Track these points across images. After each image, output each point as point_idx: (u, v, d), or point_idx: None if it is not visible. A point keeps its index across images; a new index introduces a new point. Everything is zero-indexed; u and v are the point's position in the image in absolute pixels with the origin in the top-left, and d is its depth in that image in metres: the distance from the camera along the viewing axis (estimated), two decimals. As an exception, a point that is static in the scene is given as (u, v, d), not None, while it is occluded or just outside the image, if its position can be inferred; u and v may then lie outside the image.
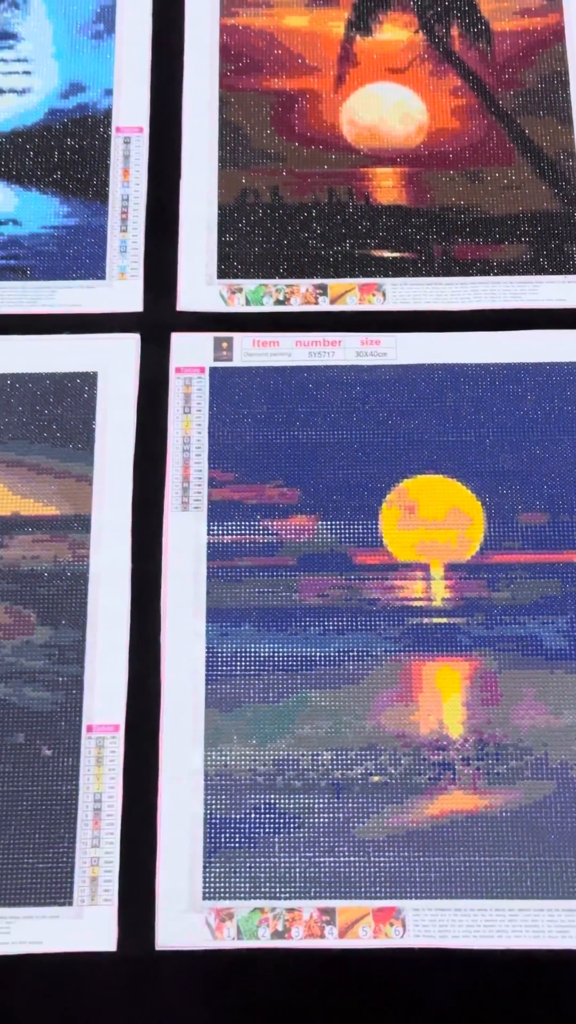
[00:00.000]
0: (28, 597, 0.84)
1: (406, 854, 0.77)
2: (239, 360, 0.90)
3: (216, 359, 0.90)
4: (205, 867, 0.77)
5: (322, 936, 0.76)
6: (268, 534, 0.85)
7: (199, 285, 0.92)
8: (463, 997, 0.75)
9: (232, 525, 0.85)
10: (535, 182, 0.95)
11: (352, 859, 0.77)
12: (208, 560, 0.84)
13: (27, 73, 0.99)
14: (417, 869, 0.77)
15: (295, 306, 0.92)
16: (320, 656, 0.82)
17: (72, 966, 0.75)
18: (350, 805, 0.79)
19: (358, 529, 0.85)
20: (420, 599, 0.84)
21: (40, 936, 0.76)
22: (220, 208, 0.94)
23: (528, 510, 0.85)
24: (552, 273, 0.92)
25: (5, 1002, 0.75)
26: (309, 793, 0.79)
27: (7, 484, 0.87)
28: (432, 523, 0.86)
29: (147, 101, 0.98)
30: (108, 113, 0.98)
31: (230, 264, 0.93)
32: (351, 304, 0.92)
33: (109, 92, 0.98)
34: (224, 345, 0.91)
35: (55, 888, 0.77)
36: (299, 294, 0.92)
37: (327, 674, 0.82)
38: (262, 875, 0.77)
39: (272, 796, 0.79)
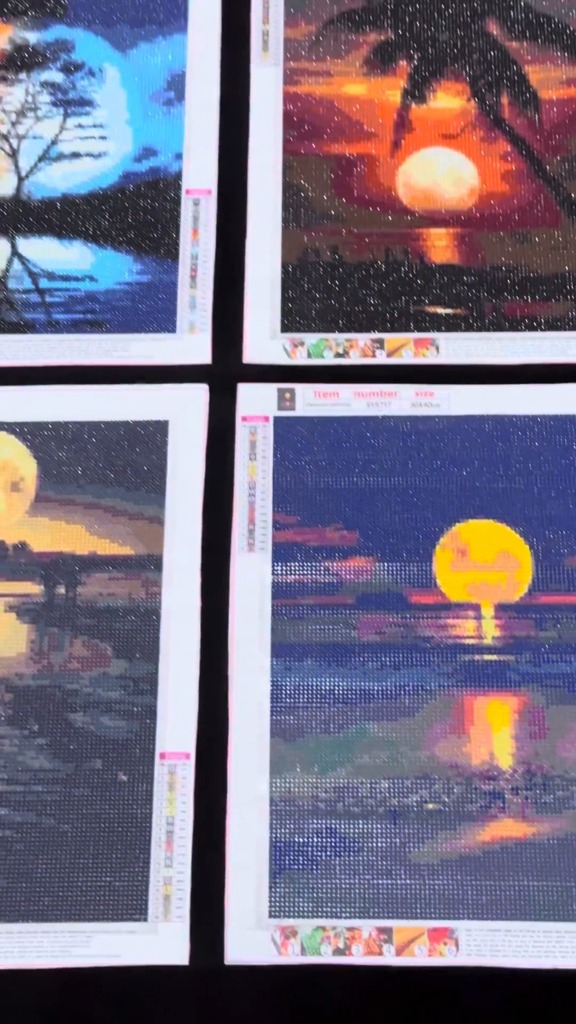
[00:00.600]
0: (105, 632, 0.90)
1: (459, 877, 0.83)
2: (301, 410, 0.96)
3: (280, 409, 0.96)
4: (271, 887, 0.82)
5: (380, 954, 0.81)
6: (329, 574, 0.91)
7: (264, 339, 0.98)
8: (512, 1014, 0.80)
9: (295, 566, 0.91)
10: (581, 243, 1.01)
11: (408, 881, 0.83)
12: (272, 598, 0.90)
13: (103, 138, 1.05)
14: (469, 892, 0.82)
15: (354, 359, 0.97)
16: (378, 690, 0.88)
17: (147, 978, 0.81)
18: (406, 831, 0.84)
19: (413, 570, 0.91)
20: (471, 637, 0.89)
21: (118, 950, 0.81)
22: (283, 266, 1.00)
23: (574, 554, 0.91)
24: (597, 329, 0.98)
25: (85, 1011, 0.80)
26: (368, 819, 0.84)
27: (85, 525, 0.93)
28: (483, 565, 0.91)
29: (215, 164, 1.04)
30: (178, 176, 1.04)
31: (293, 319, 0.99)
32: (407, 357, 0.97)
33: (179, 156, 1.04)
34: (287, 396, 0.96)
35: (131, 905, 0.82)
36: (358, 348, 0.98)
37: (384, 707, 0.87)
38: (324, 895, 0.82)
39: (333, 821, 0.84)
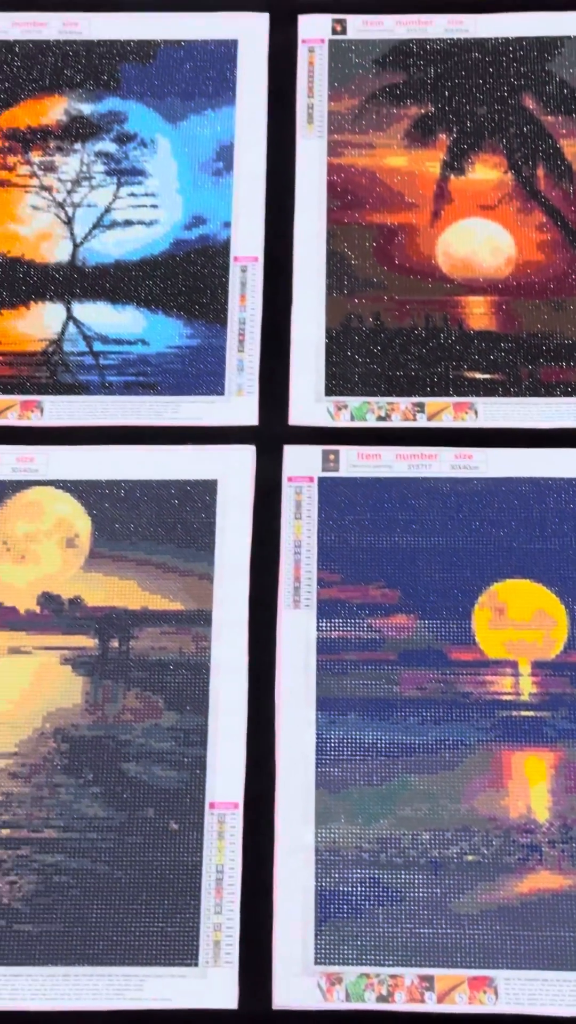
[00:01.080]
0: (156, 684, 0.93)
1: (498, 927, 0.86)
2: (345, 471, 1.00)
3: (324, 469, 1.00)
4: (316, 934, 0.86)
5: (422, 1001, 0.84)
6: (372, 631, 0.95)
7: (309, 401, 1.02)
8: (549, 1060, 0.83)
9: (339, 622, 0.95)
10: (614, 311, 1.05)
11: (449, 931, 0.86)
12: (318, 653, 0.94)
13: (154, 207, 1.10)
14: (508, 942, 0.85)
15: (395, 422, 1.01)
16: (419, 744, 0.91)
17: (197, 1022, 0.84)
18: (447, 881, 0.87)
19: (453, 628, 0.94)
20: (509, 693, 0.92)
21: (169, 993, 0.85)
22: (328, 331, 1.04)
23: (608, 613, 0.94)
24: (630, 395, 1.02)
25: (138, 1052, 0.84)
26: (410, 869, 0.87)
27: (137, 581, 0.97)
28: (520, 624, 0.94)
29: (262, 233, 1.08)
30: (227, 244, 1.08)
31: (337, 382, 1.03)
32: (446, 421, 1.01)
33: (228, 224, 1.09)
34: (331, 457, 1.00)
35: (182, 950, 0.86)
36: (399, 411, 1.02)
37: (425, 760, 0.91)
38: (368, 943, 0.85)
39: (376, 871, 0.87)
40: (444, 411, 1.02)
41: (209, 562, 0.97)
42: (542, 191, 1.09)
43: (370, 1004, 0.84)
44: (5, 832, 0.89)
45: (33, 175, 1.11)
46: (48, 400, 1.03)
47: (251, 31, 1.15)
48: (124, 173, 1.11)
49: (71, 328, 1.05)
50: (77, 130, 1.13)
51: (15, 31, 1.17)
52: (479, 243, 1.08)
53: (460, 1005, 0.84)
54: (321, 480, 0.99)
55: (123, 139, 1.13)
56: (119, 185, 1.11)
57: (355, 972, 0.85)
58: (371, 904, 0.87)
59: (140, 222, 1.09)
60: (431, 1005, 0.84)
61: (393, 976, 0.85)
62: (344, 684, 0.93)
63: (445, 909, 0.86)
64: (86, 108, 1.14)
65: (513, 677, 0.93)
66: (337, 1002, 0.84)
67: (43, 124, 1.13)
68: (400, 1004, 0.84)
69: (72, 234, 1.09)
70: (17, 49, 1.16)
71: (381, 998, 0.84)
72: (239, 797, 0.90)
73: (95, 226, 1.09)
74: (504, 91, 1.13)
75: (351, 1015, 0.84)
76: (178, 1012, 0.84)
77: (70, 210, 1.10)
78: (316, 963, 0.85)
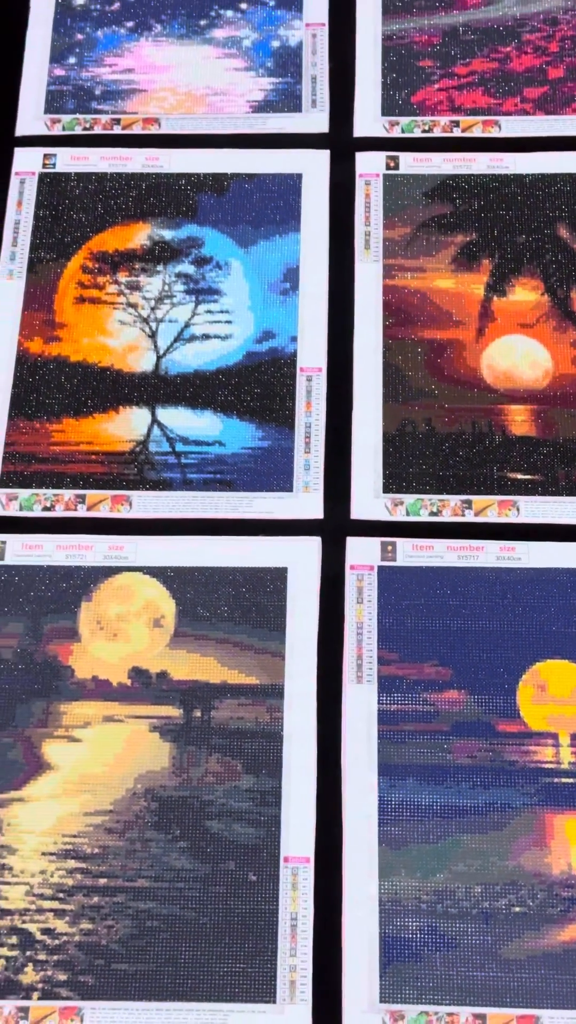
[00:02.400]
0: (235, 751, 1.04)
1: (543, 971, 0.96)
2: (401, 560, 1.12)
3: (383, 559, 1.12)
4: (381, 976, 0.96)
5: (476, 1036, 0.94)
6: (427, 704, 1.06)
7: (368, 498, 1.14)
8: None
9: (398, 696, 1.06)
10: None
11: (499, 974, 0.96)
12: (379, 724, 1.05)
13: (229, 322, 1.23)
14: (552, 984, 0.95)
15: (446, 517, 1.13)
16: (470, 806, 1.02)
17: (275, 1052, 0.94)
18: (497, 930, 0.97)
19: (499, 703, 1.05)
20: (550, 762, 1.03)
21: (250, 1027, 0.95)
22: (385, 435, 1.16)
23: None
24: None
25: (224, 1079, 0.94)
26: (463, 919, 0.98)
27: (216, 658, 1.08)
28: (560, 700, 1.06)
29: (325, 346, 1.21)
30: (293, 356, 1.21)
31: (393, 481, 1.15)
32: (491, 516, 1.13)
33: (294, 339, 1.22)
34: (389, 548, 1.12)
35: (261, 988, 0.96)
36: (449, 507, 1.14)
37: (476, 822, 1.01)
38: (427, 984, 0.96)
39: (434, 920, 0.98)
40: (489, 507, 1.13)
41: (281, 641, 1.08)
42: (575, 311, 1.22)
43: (429, 1039, 0.94)
44: (103, 881, 0.99)
45: (120, 293, 1.25)
46: (136, 495, 1.15)
47: (314, 166, 1.29)
48: (201, 292, 1.25)
49: (155, 431, 1.18)
50: (159, 254, 1.26)
51: (103, 164, 1.31)
52: (519, 358, 1.20)
53: (510, 1040, 0.94)
54: (380, 569, 1.11)
55: (200, 262, 1.26)
56: (197, 303, 1.24)
57: (416, 1010, 0.95)
58: (430, 949, 0.97)
59: (216, 336, 1.23)
60: (484, 1040, 0.94)
61: (450, 1014, 0.95)
62: (403, 752, 1.04)
63: (496, 955, 0.97)
64: (167, 234, 1.27)
65: (554, 747, 1.04)
66: (400, 1036, 0.94)
67: (129, 248, 1.27)
68: (456, 1039, 0.94)
69: (156, 346, 1.22)
70: (106, 181, 1.30)
71: (439, 1033, 0.94)
72: (310, 852, 1.00)
73: (176, 339, 1.22)
74: (540, 222, 1.26)
75: (413, 1048, 0.94)
76: (258, 1044, 0.94)
77: (154, 325, 1.23)
78: (381, 1001, 0.95)
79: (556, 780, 1.02)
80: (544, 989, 0.95)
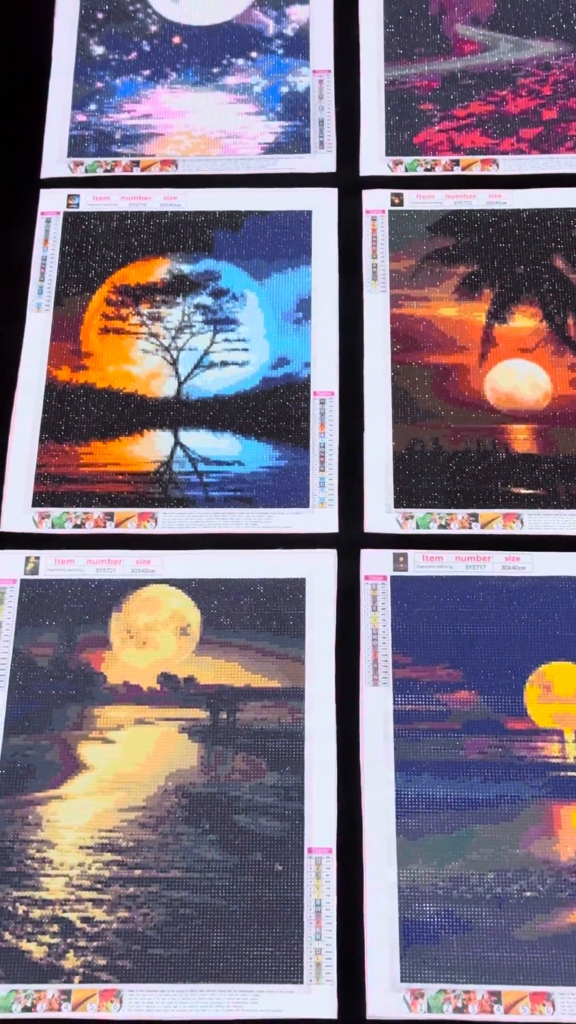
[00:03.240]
0: (260, 750, 1.11)
1: (554, 951, 1.02)
2: (413, 570, 1.18)
3: (395, 570, 1.18)
4: (401, 957, 1.02)
5: (491, 1012, 1.00)
6: (439, 704, 1.12)
7: (380, 513, 1.21)
8: (600, 1062, 0.99)
9: (412, 697, 1.12)
10: None
11: (513, 955, 1.02)
12: (395, 723, 1.11)
13: (245, 350, 1.30)
14: (562, 963, 1.01)
15: (454, 530, 1.20)
16: (482, 799, 1.08)
17: (303, 1029, 1.00)
18: (509, 914, 1.04)
19: (508, 702, 1.12)
20: (557, 757, 1.10)
21: (279, 1006, 1.01)
22: (395, 454, 1.24)
23: None
24: None
25: (255, 1054, 1.00)
26: (478, 904, 1.04)
27: (240, 663, 1.15)
28: (564, 699, 1.12)
29: (336, 371, 1.28)
30: (307, 380, 1.28)
31: (403, 497, 1.21)
32: (497, 529, 1.20)
33: (308, 364, 1.29)
34: (401, 559, 1.19)
35: (289, 971, 1.02)
36: (457, 520, 1.20)
37: (488, 813, 1.08)
38: (445, 965, 1.02)
39: (450, 905, 1.04)
40: (495, 520, 1.20)
41: (300, 647, 1.15)
42: (572, 337, 1.30)
43: (448, 1015, 1.00)
44: (138, 872, 1.06)
45: (143, 324, 1.32)
46: (161, 512, 1.22)
47: (323, 203, 1.37)
48: (219, 322, 1.32)
49: (178, 452, 1.25)
50: (178, 286, 1.34)
51: (124, 204, 1.39)
52: (520, 380, 1.28)
53: (523, 1015, 1.00)
54: (393, 578, 1.18)
55: (217, 294, 1.33)
56: (215, 332, 1.31)
57: (435, 988, 1.01)
58: (447, 932, 1.03)
59: (234, 363, 1.30)
60: (499, 1015, 1.00)
61: (467, 991, 1.01)
62: (418, 749, 1.10)
63: (509, 936, 1.03)
64: (186, 268, 1.35)
65: (560, 743, 1.10)
66: (420, 1013, 1.00)
67: (150, 282, 1.34)
68: (473, 1015, 1.00)
69: (177, 373, 1.29)
70: (127, 219, 1.37)
71: (457, 1010, 1.00)
72: (332, 843, 1.07)
73: (196, 366, 1.30)
74: (537, 253, 1.34)
75: (432, 1024, 1.00)
76: (287, 1022, 1.00)
77: (175, 353, 1.30)
78: (402, 981, 1.01)
79: (563, 774, 1.09)
80: (555, 967, 1.02)
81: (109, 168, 1.41)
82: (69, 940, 1.03)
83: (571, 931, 1.03)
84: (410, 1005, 1.01)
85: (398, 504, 1.21)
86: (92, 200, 1.39)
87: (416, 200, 1.37)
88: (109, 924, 1.04)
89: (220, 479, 1.23)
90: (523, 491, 1.22)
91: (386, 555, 1.19)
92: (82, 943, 1.03)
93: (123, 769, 1.10)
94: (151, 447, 1.25)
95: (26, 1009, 1.01)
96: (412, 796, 1.08)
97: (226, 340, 1.31)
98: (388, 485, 1.22)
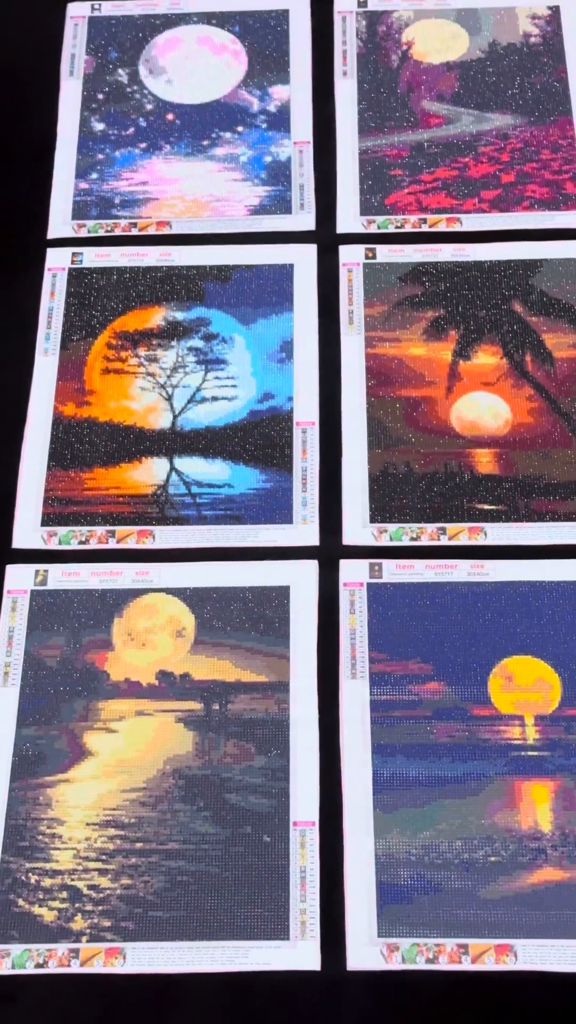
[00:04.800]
0: (249, 736, 1.22)
1: (515, 909, 1.13)
2: (387, 578, 1.30)
3: (371, 577, 1.30)
4: (378, 916, 1.12)
5: (460, 963, 1.10)
6: (412, 695, 1.24)
7: (357, 527, 1.33)
8: (558, 1005, 1.09)
9: (387, 688, 1.24)
10: (587, 459, 1.38)
11: (479, 912, 1.13)
12: (371, 712, 1.22)
13: (234, 386, 1.44)
14: (523, 919, 1.12)
15: (424, 541, 1.32)
16: (451, 777, 1.19)
17: (289, 980, 1.10)
18: (475, 876, 1.14)
19: (473, 692, 1.24)
20: (518, 739, 1.21)
21: (268, 959, 1.11)
22: (370, 476, 1.36)
23: (591, 679, 1.24)
24: (601, 520, 1.34)
25: (248, 1003, 1.09)
26: (447, 868, 1.15)
27: (231, 660, 1.26)
28: (524, 688, 1.24)
29: (317, 404, 1.41)
30: (290, 412, 1.41)
31: (378, 513, 1.34)
32: (463, 540, 1.32)
33: (290, 398, 1.42)
34: (376, 568, 1.31)
35: (277, 929, 1.12)
36: (426, 533, 1.33)
37: (456, 789, 1.19)
38: (417, 921, 1.12)
39: (422, 869, 1.15)
40: (461, 533, 1.33)
41: (285, 646, 1.27)
42: (530, 372, 1.43)
43: (420, 965, 1.10)
44: (139, 845, 1.16)
45: (140, 365, 1.46)
46: (158, 529, 1.34)
47: (304, 258, 1.51)
48: (210, 362, 1.46)
49: (174, 476, 1.38)
50: (173, 332, 1.48)
51: (122, 260, 1.53)
52: (483, 410, 1.41)
53: (488, 965, 1.10)
54: (369, 585, 1.30)
55: (208, 338, 1.47)
56: (206, 371, 1.45)
57: (408, 942, 1.11)
58: (419, 894, 1.14)
59: (224, 398, 1.43)
60: (466, 965, 1.10)
61: (437, 944, 1.11)
62: (392, 734, 1.21)
63: (475, 896, 1.13)
64: (179, 315, 1.49)
65: (520, 727, 1.22)
66: (395, 964, 1.11)
67: (147, 327, 1.48)
68: (443, 965, 1.10)
69: (172, 408, 1.43)
70: (125, 273, 1.52)
71: (428, 960, 1.11)
72: (315, 817, 1.17)
73: (189, 401, 1.43)
74: (498, 299, 1.48)
75: (405, 974, 1.10)
76: (276, 973, 1.10)
77: (170, 390, 1.44)
78: (379, 936, 1.12)
79: (523, 754, 1.20)
80: (517, 923, 1.12)
81: (109, 229, 1.55)
82: (77, 905, 1.14)
83: (531, 890, 1.14)
84: (386, 957, 1.11)
85: (373, 519, 1.34)
86: (94, 257, 1.53)
87: (388, 254, 1.52)
88: (113, 890, 1.14)
89: (212, 500, 1.36)
90: (486, 507, 1.34)
91: (363, 564, 1.31)
92: (89, 907, 1.14)
93: (125, 755, 1.21)
94: (149, 472, 1.38)
95: (39, 966, 1.11)
96: (387, 775, 1.19)
97: (216, 378, 1.44)
98: (364, 503, 1.35)
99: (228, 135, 1.63)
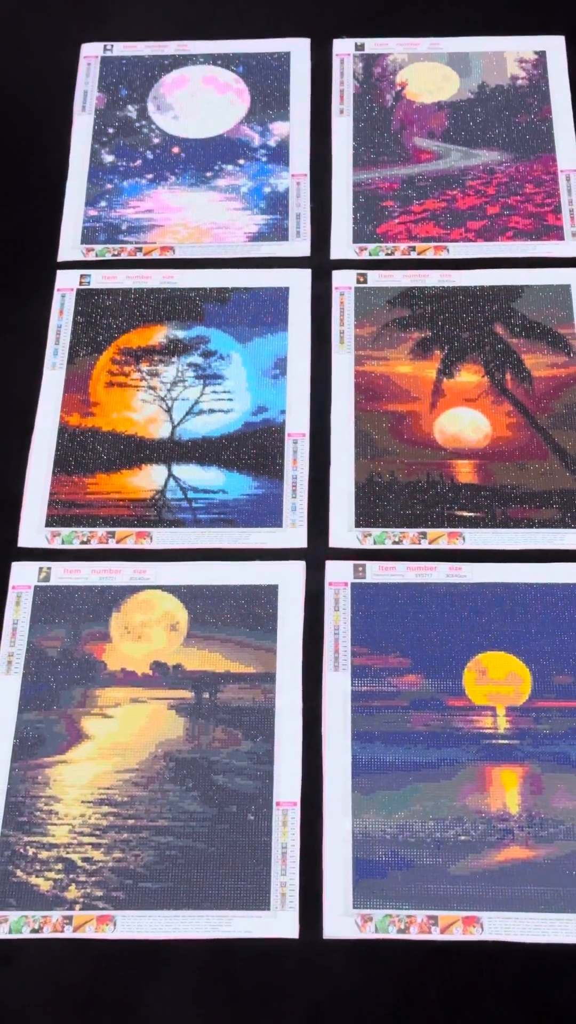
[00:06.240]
0: (237, 723, 1.29)
1: (483, 884, 1.20)
2: (370, 578, 1.38)
3: (355, 577, 1.38)
4: (354, 889, 1.19)
5: (429, 933, 1.17)
6: (390, 686, 1.31)
7: (343, 531, 1.41)
8: (521, 973, 1.15)
9: (367, 680, 1.31)
10: (561, 470, 1.45)
11: (448, 886, 1.20)
12: (352, 702, 1.30)
13: (230, 399, 1.52)
14: (490, 893, 1.19)
15: (405, 545, 1.40)
16: (426, 762, 1.26)
17: (269, 947, 1.17)
18: (447, 854, 1.21)
19: (449, 684, 1.31)
20: (490, 728, 1.28)
21: (249, 928, 1.18)
22: (356, 484, 1.44)
23: (559, 674, 1.31)
24: (573, 528, 1.41)
25: (230, 967, 1.16)
26: (420, 847, 1.22)
27: (222, 653, 1.34)
28: (497, 681, 1.31)
29: (308, 417, 1.50)
30: (282, 424, 1.50)
31: (363, 519, 1.41)
32: (442, 544, 1.40)
33: (283, 411, 1.51)
34: (360, 569, 1.39)
35: (259, 900, 1.19)
36: (408, 538, 1.40)
37: (430, 774, 1.26)
38: (390, 895, 1.19)
39: (396, 847, 1.22)
40: (441, 538, 1.41)
41: (273, 640, 1.34)
42: (510, 390, 1.52)
43: (392, 935, 1.17)
44: (131, 821, 1.24)
45: (143, 379, 1.55)
46: (156, 531, 1.43)
47: (298, 281, 1.60)
48: (208, 377, 1.55)
49: (171, 482, 1.46)
50: (174, 349, 1.57)
51: (128, 282, 1.62)
52: (465, 424, 1.49)
53: (456, 935, 1.17)
54: (353, 584, 1.38)
55: (207, 354, 1.56)
56: (204, 385, 1.54)
57: (381, 913, 1.18)
58: (393, 869, 1.21)
59: (220, 410, 1.52)
60: (436, 935, 1.17)
61: (408, 916, 1.18)
62: (371, 722, 1.29)
63: (446, 872, 1.20)
64: (180, 333, 1.58)
65: (492, 717, 1.29)
66: (369, 933, 1.17)
67: (149, 344, 1.57)
68: (414, 935, 1.17)
69: (171, 419, 1.51)
70: (130, 294, 1.61)
71: (400, 931, 1.18)
72: (297, 798, 1.24)
73: (187, 413, 1.52)
74: (481, 322, 1.57)
75: (378, 942, 1.17)
76: (257, 940, 1.17)
77: (169, 403, 1.53)
78: (354, 907, 1.19)
79: (494, 742, 1.27)
80: (484, 896, 1.19)
81: (116, 253, 1.65)
82: (71, 876, 1.21)
83: (498, 867, 1.21)
84: (360, 927, 1.18)
85: (358, 524, 1.42)
86: (101, 279, 1.63)
87: (378, 279, 1.61)
88: (105, 863, 1.22)
89: (206, 504, 1.44)
90: (465, 514, 1.42)
91: (347, 566, 1.39)
92: (82, 878, 1.21)
93: (119, 739, 1.29)
94: (148, 478, 1.47)
95: (34, 931, 1.19)
96: (366, 760, 1.27)
97: (214, 392, 1.53)
98: (350, 509, 1.43)
99: (230, 167, 1.73)
